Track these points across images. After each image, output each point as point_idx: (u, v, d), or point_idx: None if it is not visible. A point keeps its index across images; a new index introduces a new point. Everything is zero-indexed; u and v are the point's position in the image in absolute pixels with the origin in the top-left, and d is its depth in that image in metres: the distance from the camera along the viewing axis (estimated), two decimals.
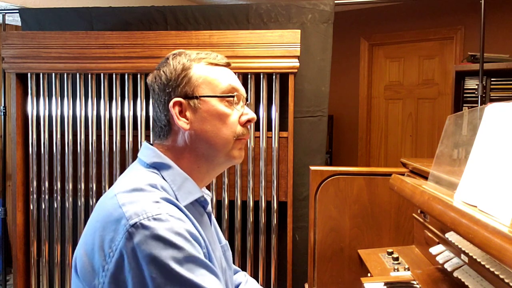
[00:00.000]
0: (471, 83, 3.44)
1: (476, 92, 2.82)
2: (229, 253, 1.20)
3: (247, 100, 1.12)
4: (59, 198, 2.74)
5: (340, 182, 2.01)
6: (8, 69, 2.69)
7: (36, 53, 2.65)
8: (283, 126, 2.61)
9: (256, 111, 2.61)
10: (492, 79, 3.35)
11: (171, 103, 1.02)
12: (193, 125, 1.02)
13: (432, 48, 4.74)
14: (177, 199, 0.96)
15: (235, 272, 1.31)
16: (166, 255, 0.81)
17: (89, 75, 2.68)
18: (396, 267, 1.62)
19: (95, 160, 2.69)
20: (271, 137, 2.60)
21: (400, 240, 1.97)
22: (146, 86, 2.64)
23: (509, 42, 4.11)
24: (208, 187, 2.64)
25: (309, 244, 2.07)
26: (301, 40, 2.55)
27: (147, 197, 0.89)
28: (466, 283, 1.18)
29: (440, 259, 1.37)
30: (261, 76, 2.58)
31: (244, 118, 1.06)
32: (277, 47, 2.52)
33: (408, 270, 1.59)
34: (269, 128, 2.61)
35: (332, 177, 2.02)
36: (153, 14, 2.76)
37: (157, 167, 1.01)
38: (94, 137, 2.69)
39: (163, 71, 1.05)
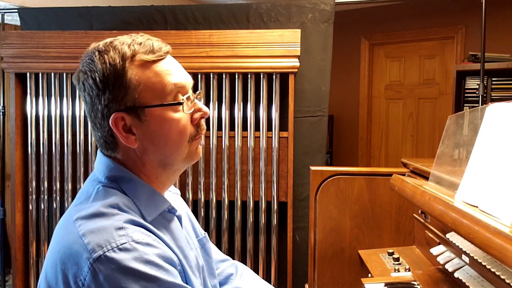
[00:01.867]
0: (472, 83, 3.43)
1: (477, 92, 2.81)
2: (209, 244, 1.13)
3: (195, 91, 0.98)
4: (58, 198, 2.73)
5: (341, 182, 2.00)
6: (7, 68, 2.68)
7: (35, 53, 2.64)
8: (283, 126, 2.60)
9: (256, 111, 2.61)
10: (493, 78, 3.34)
11: (111, 120, 0.88)
12: (142, 140, 0.90)
13: (433, 47, 4.73)
14: (142, 215, 0.88)
15: (223, 261, 1.25)
16: (137, 287, 0.74)
17: None
18: (396, 268, 1.61)
19: (95, 160, 2.67)
20: (271, 137, 2.59)
21: (401, 240, 1.96)
22: None
23: (510, 41, 4.10)
24: (208, 188, 2.64)
25: (309, 245, 2.07)
26: (301, 40, 2.54)
27: (109, 223, 0.80)
28: (467, 284, 1.17)
29: (441, 259, 1.36)
30: (261, 76, 2.57)
31: (196, 116, 0.95)
32: (277, 46, 2.52)
33: (409, 270, 1.58)
34: (269, 128, 2.60)
35: (332, 177, 2.01)
36: (152, 14, 2.75)
37: (116, 180, 0.90)
38: (94, 137, 2.68)
39: (92, 78, 0.88)
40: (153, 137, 0.90)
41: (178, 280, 0.82)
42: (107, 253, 0.75)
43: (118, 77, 0.87)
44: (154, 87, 0.89)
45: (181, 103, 0.91)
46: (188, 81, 0.95)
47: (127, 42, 0.91)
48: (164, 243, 0.86)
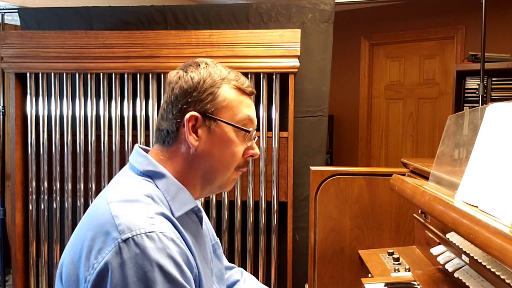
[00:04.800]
0: (472, 83, 3.43)
1: (477, 92, 2.81)
2: (220, 250, 1.19)
3: (257, 131, 1.11)
4: (58, 198, 2.73)
5: (341, 182, 2.00)
6: (7, 68, 2.68)
7: (35, 53, 2.64)
8: (283, 126, 2.60)
9: (256, 111, 2.60)
10: (493, 78, 3.34)
11: (188, 115, 0.97)
12: (202, 144, 0.99)
13: (433, 47, 4.73)
14: (171, 210, 0.94)
15: (230, 268, 1.30)
16: (153, 276, 0.79)
17: (88, 75, 2.67)
18: (396, 268, 1.61)
19: (95, 160, 2.68)
20: (271, 137, 2.59)
21: (401, 240, 1.96)
22: (146, 86, 2.65)
23: (510, 41, 4.09)
24: None
25: (309, 245, 2.07)
26: (301, 40, 2.54)
27: (141, 210, 0.86)
28: (467, 284, 1.17)
29: (441, 259, 1.36)
30: (261, 75, 2.57)
31: (249, 152, 1.05)
32: (277, 46, 2.51)
33: (409, 270, 1.58)
34: (269, 128, 2.60)
35: (332, 177, 2.01)
36: (152, 14, 2.75)
37: (151, 175, 0.97)
38: (94, 137, 2.68)
39: (191, 76, 1.00)
40: (212, 147, 1.00)
41: (190, 285, 0.86)
42: (135, 237, 0.81)
43: (212, 86, 1.00)
44: (234, 109, 1.01)
45: (248, 131, 1.03)
46: (256, 123, 1.08)
47: (228, 69, 1.06)
48: (186, 244, 0.91)
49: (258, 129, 2.61)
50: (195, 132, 0.99)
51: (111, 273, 0.79)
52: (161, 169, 0.98)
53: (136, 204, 0.88)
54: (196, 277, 0.90)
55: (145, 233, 0.82)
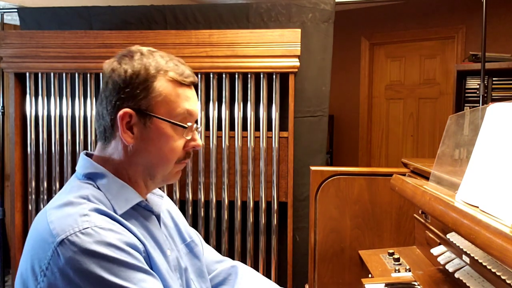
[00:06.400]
0: (473, 83, 3.43)
1: (477, 92, 2.81)
2: (199, 248, 1.16)
3: (197, 124, 1.06)
4: None
5: (341, 183, 2.00)
6: (7, 68, 2.68)
7: (35, 53, 2.64)
8: (283, 126, 2.59)
9: (256, 111, 2.60)
10: (493, 78, 3.33)
11: (121, 112, 0.93)
12: (138, 142, 0.96)
13: (433, 47, 4.72)
14: (113, 208, 0.92)
15: (220, 262, 1.25)
16: (98, 268, 0.79)
17: (88, 75, 2.67)
18: (397, 268, 1.61)
19: None
20: (271, 137, 2.59)
21: (401, 240, 1.96)
22: None
23: (511, 41, 4.09)
24: (208, 188, 2.63)
25: (310, 245, 2.06)
26: (302, 40, 2.54)
27: (74, 210, 0.86)
28: (468, 284, 1.17)
29: (441, 260, 1.36)
30: (261, 75, 2.57)
31: (190, 145, 1.02)
32: (277, 46, 2.51)
33: (409, 271, 1.58)
34: (269, 128, 2.60)
35: (332, 178, 2.01)
36: (152, 13, 2.75)
37: (92, 177, 0.96)
38: (93, 137, 2.68)
39: (124, 69, 0.95)
40: (148, 144, 0.96)
41: (140, 263, 0.86)
42: (69, 237, 0.80)
43: (146, 80, 0.95)
44: (170, 103, 0.97)
45: (185, 127, 0.99)
46: (196, 113, 1.03)
47: (166, 58, 0.99)
48: (132, 233, 0.90)
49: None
50: (130, 129, 0.95)
51: (59, 278, 0.79)
52: (101, 169, 0.97)
53: (69, 206, 0.87)
54: (147, 260, 0.90)
55: (79, 231, 0.81)
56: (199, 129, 1.07)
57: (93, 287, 0.79)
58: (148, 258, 0.91)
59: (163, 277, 0.93)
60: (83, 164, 0.99)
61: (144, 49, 1.00)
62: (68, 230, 0.81)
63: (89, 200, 0.90)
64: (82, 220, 0.83)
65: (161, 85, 0.96)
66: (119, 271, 0.81)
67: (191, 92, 1.02)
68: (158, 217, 1.04)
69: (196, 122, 1.05)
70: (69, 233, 0.81)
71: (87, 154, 1.02)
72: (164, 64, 0.97)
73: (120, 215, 0.91)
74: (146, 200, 1.03)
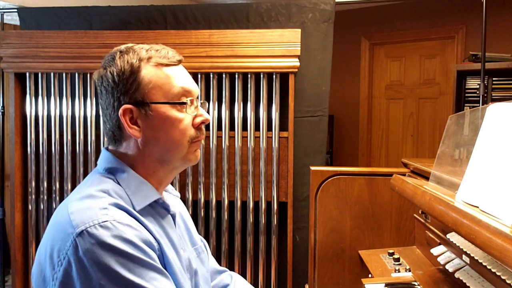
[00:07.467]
0: (473, 83, 3.43)
1: (477, 92, 2.81)
2: (204, 255, 1.18)
3: (201, 98, 1.08)
4: (58, 198, 2.73)
5: (341, 183, 2.00)
6: (7, 68, 2.68)
7: (35, 53, 2.64)
8: (283, 126, 2.59)
9: (256, 111, 2.60)
10: (493, 78, 3.34)
11: (120, 111, 0.97)
12: (145, 133, 0.98)
13: (433, 47, 4.72)
14: (132, 204, 0.94)
15: (221, 272, 1.29)
16: (113, 262, 0.81)
17: (88, 75, 2.67)
18: (397, 268, 1.61)
19: (94, 160, 2.67)
20: (271, 137, 2.59)
21: (401, 241, 1.96)
22: None
23: (511, 41, 4.09)
24: (208, 188, 2.63)
25: (310, 245, 2.06)
26: (302, 40, 2.53)
27: (95, 204, 0.88)
28: (468, 284, 1.17)
29: (441, 260, 1.36)
30: (261, 75, 2.57)
31: (198, 120, 1.02)
32: (277, 46, 2.51)
33: (409, 271, 1.58)
34: (269, 128, 2.60)
35: (332, 178, 2.01)
36: (152, 13, 2.75)
37: (113, 172, 0.99)
38: (93, 137, 2.68)
39: (110, 72, 0.98)
40: (156, 132, 0.98)
41: (154, 261, 0.87)
42: (88, 229, 0.83)
43: (133, 73, 0.97)
44: (163, 86, 0.99)
45: (184, 103, 1.00)
46: (194, 89, 1.04)
47: (146, 47, 1.01)
48: (148, 230, 0.92)
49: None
50: (135, 124, 0.98)
51: (75, 268, 0.81)
52: (121, 164, 0.99)
53: (90, 199, 0.90)
54: (161, 259, 0.92)
55: (99, 223, 0.83)
56: (203, 104, 1.08)
57: (106, 280, 0.80)
58: (162, 256, 0.93)
59: (175, 276, 0.94)
60: (105, 158, 1.01)
61: (122, 47, 1.02)
62: (88, 222, 0.83)
63: (109, 194, 0.92)
64: (102, 213, 0.86)
65: (148, 72, 0.98)
66: (133, 267, 0.83)
67: (180, 69, 1.04)
68: (173, 217, 1.06)
69: (198, 98, 1.06)
70: (89, 225, 0.83)
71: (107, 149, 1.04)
72: (145, 53, 1.00)
73: (138, 211, 0.93)
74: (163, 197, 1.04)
